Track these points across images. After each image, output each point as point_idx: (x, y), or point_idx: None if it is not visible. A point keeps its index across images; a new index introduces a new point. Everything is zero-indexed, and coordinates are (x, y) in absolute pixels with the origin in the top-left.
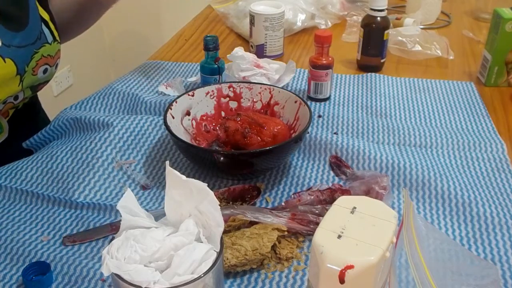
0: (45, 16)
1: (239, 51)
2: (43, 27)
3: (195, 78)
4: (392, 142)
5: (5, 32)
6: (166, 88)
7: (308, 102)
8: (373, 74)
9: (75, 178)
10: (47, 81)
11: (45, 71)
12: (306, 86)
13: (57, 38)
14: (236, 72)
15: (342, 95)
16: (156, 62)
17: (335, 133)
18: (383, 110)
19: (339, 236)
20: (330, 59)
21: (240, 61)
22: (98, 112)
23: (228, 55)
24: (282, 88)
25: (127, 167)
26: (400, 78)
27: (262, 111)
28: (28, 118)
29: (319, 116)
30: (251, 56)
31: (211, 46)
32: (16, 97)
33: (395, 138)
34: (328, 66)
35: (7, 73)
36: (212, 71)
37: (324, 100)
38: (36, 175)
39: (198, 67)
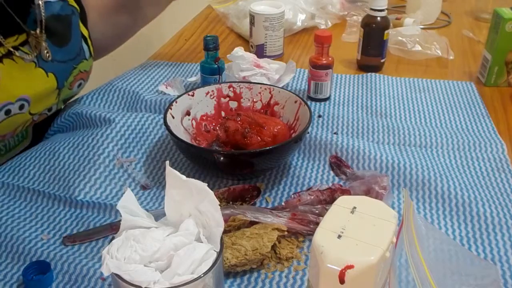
0: (85, 32)
1: (239, 51)
2: (83, 43)
3: (195, 78)
4: (392, 142)
5: (50, 47)
6: (166, 88)
7: (308, 102)
8: (373, 74)
9: (76, 175)
10: (76, 93)
11: (79, 85)
12: (306, 86)
13: (92, 53)
14: (236, 72)
15: (342, 95)
16: (156, 62)
17: (335, 133)
18: (383, 110)
19: (339, 236)
20: (330, 59)
21: (240, 61)
22: (98, 107)
23: (228, 55)
24: (282, 88)
25: (128, 165)
26: (400, 78)
27: (262, 111)
28: (49, 123)
29: (319, 116)
30: (251, 56)
31: (211, 46)
32: (50, 109)
33: (395, 138)
34: (328, 66)
35: (49, 87)
36: (212, 71)
37: (324, 100)
38: (38, 173)
39: (198, 67)
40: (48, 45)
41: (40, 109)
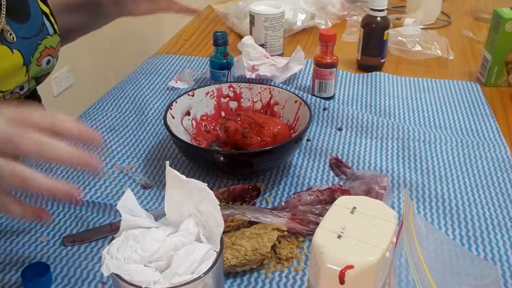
0: (45, 9)
1: (248, 39)
2: (44, 19)
3: (203, 72)
4: (395, 141)
5: (11, 24)
6: (176, 82)
7: (314, 99)
8: (377, 73)
9: (74, 179)
10: (49, 72)
11: (48, 62)
12: (310, 83)
13: (57, 30)
14: (245, 60)
15: (346, 94)
16: (156, 59)
17: (339, 129)
18: (387, 109)
19: (339, 236)
20: (334, 57)
21: (249, 49)
22: (102, 122)
23: (238, 44)
24: (282, 88)
25: (128, 170)
26: (404, 78)
27: (262, 111)
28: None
29: (324, 109)
30: (260, 49)
31: (220, 41)
32: (22, 88)
33: (399, 137)
34: (332, 65)
35: (15, 64)
36: (221, 65)
37: (329, 98)
38: None
39: (201, 64)
40: (9, 23)
41: (10, 86)
